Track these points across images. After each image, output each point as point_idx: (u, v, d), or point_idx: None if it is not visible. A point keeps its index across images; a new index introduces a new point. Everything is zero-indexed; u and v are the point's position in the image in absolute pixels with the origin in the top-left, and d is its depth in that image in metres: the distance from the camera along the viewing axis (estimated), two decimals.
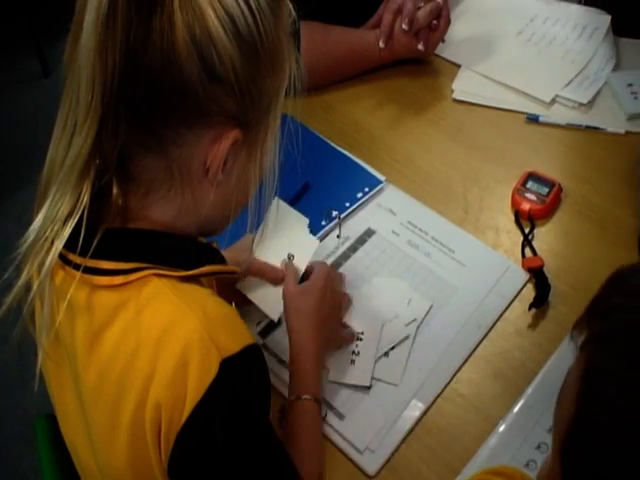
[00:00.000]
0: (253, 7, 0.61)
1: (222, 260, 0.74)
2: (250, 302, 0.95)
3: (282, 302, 0.91)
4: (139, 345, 0.64)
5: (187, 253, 0.70)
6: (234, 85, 0.62)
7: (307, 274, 0.94)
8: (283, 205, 0.97)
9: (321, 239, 1.08)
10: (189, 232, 0.72)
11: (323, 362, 0.91)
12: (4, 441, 1.80)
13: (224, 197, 0.70)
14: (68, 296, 0.65)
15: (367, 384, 0.91)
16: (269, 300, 0.94)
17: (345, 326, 0.96)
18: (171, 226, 0.69)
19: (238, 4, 0.61)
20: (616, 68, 1.35)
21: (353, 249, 1.08)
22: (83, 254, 0.64)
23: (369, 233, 1.10)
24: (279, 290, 0.92)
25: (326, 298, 0.91)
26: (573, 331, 0.53)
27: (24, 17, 2.72)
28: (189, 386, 0.62)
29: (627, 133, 1.23)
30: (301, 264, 0.95)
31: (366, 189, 1.15)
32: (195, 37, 0.59)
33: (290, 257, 0.95)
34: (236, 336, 0.65)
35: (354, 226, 1.11)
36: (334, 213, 1.11)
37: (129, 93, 0.60)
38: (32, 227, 0.64)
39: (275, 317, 0.94)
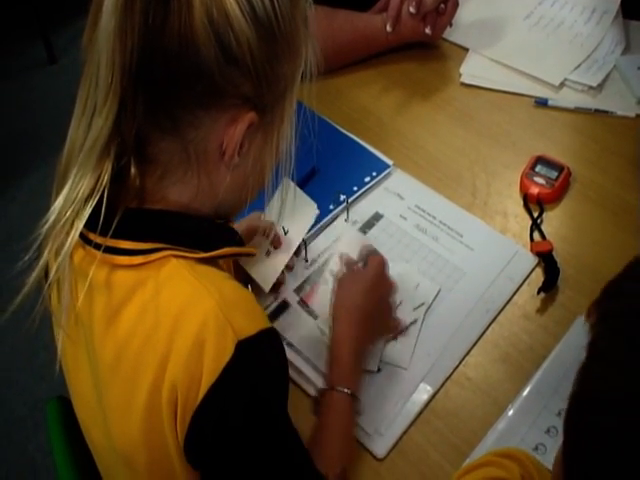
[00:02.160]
0: None
1: (240, 241, 0.74)
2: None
3: (276, 275, 0.93)
4: (156, 324, 0.64)
5: (205, 235, 0.70)
6: (250, 67, 0.62)
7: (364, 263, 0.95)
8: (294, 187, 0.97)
9: (329, 223, 1.09)
10: (205, 214, 0.72)
11: (363, 356, 0.89)
12: (12, 423, 1.82)
13: (240, 180, 0.70)
14: (90, 274, 0.65)
15: (374, 369, 0.91)
16: (263, 272, 0.95)
17: (394, 318, 0.95)
18: (187, 208, 0.69)
19: None
20: (626, 51, 1.34)
21: (361, 233, 1.08)
22: (103, 234, 0.65)
23: (377, 217, 1.10)
24: (274, 263, 0.94)
25: (376, 286, 0.92)
26: (586, 314, 0.54)
27: (30, 3, 2.71)
28: (205, 366, 0.62)
29: (637, 116, 1.22)
30: (297, 234, 0.97)
31: (374, 173, 1.15)
32: (212, 19, 0.59)
33: (285, 230, 0.97)
34: (252, 319, 0.66)
35: (362, 210, 1.11)
36: (342, 197, 1.11)
37: (147, 75, 0.60)
38: (52, 208, 0.65)
39: (266, 288, 0.94)
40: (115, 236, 0.65)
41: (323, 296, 0.96)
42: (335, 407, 0.83)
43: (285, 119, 0.70)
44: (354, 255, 0.97)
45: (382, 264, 0.94)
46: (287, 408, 0.69)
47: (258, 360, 0.65)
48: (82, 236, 0.66)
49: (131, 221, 0.66)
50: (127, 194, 0.66)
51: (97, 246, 0.65)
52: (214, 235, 0.71)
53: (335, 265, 0.99)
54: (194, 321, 0.63)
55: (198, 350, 0.62)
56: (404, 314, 0.96)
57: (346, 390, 0.83)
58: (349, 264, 0.95)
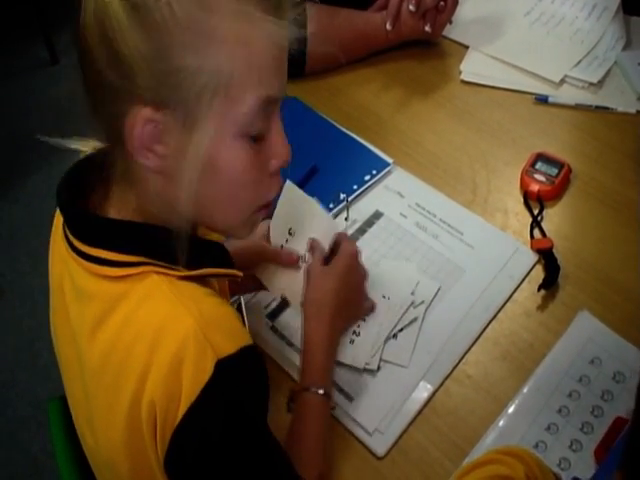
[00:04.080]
0: None
1: (227, 261, 0.72)
2: (261, 288, 0.96)
3: (301, 287, 0.91)
4: (137, 338, 0.63)
5: (188, 252, 0.66)
6: (133, 58, 0.58)
7: (333, 249, 0.93)
8: (294, 188, 0.96)
9: None
10: (178, 223, 0.67)
11: (335, 353, 0.89)
12: (15, 424, 1.82)
13: (184, 187, 0.64)
14: (77, 282, 0.66)
15: (374, 368, 0.91)
16: (287, 288, 0.94)
17: (366, 298, 0.96)
18: (146, 213, 0.67)
19: None
20: (626, 47, 1.33)
21: (361, 232, 1.08)
22: (88, 242, 0.65)
23: (377, 215, 1.10)
24: (297, 275, 0.92)
25: (348, 279, 0.91)
26: None
27: (32, 4, 2.71)
28: (184, 386, 0.61)
29: (638, 113, 1.22)
30: (306, 235, 0.95)
31: (374, 172, 1.15)
32: (97, 8, 0.58)
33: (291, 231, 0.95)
34: (232, 337, 0.64)
35: (362, 209, 1.11)
36: (342, 196, 1.10)
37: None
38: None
39: (298, 303, 0.92)
40: (99, 246, 0.65)
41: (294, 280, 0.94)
42: (310, 409, 0.83)
43: (217, 122, 0.61)
44: (326, 241, 0.94)
45: (354, 255, 0.93)
46: (267, 422, 0.68)
47: (238, 379, 0.64)
48: (70, 243, 0.67)
49: (114, 231, 0.65)
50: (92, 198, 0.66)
51: (80, 254, 0.66)
52: (198, 252, 0.68)
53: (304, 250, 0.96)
54: (173, 339, 0.62)
55: (176, 369, 0.61)
56: (403, 312, 0.96)
57: (320, 391, 0.83)
58: (318, 253, 0.92)
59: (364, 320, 0.95)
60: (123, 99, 0.60)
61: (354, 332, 0.94)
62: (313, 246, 0.93)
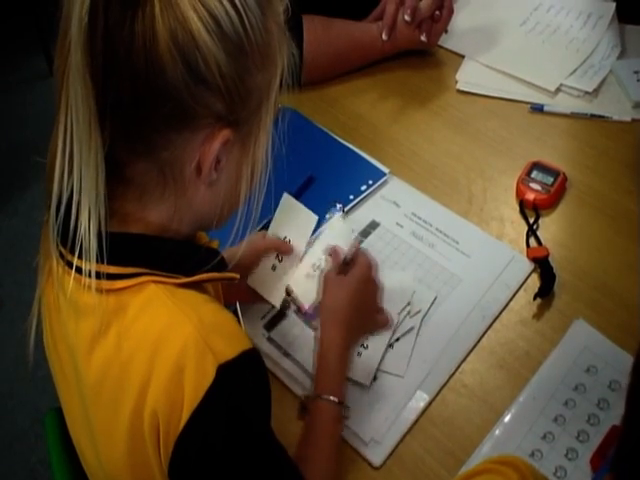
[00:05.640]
0: (237, 4, 0.60)
1: (221, 264, 0.73)
2: (259, 297, 0.96)
3: (283, 289, 0.93)
4: (136, 350, 0.64)
5: (185, 259, 0.69)
6: (221, 86, 0.61)
7: (350, 260, 0.93)
8: (291, 200, 0.97)
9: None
10: (186, 231, 0.71)
11: (348, 362, 0.89)
12: (14, 435, 1.82)
13: (220, 193, 0.69)
14: (73, 297, 0.65)
15: (367, 383, 0.91)
16: (271, 288, 0.95)
17: (381, 312, 0.96)
18: (167, 227, 0.68)
19: (221, 3, 0.59)
20: (621, 56, 1.34)
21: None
22: (85, 257, 0.64)
23: (373, 225, 1.10)
24: (281, 277, 0.94)
25: (363, 289, 0.91)
26: None
27: (30, 15, 2.72)
28: (186, 392, 0.61)
29: (633, 121, 1.23)
30: (300, 243, 0.96)
31: (370, 181, 1.15)
32: (178, 42, 0.58)
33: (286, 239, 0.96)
34: (232, 341, 0.65)
35: (358, 219, 1.11)
36: (338, 206, 1.10)
37: (116, 100, 0.60)
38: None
39: (277, 304, 0.95)
40: (99, 260, 0.64)
41: (304, 286, 0.95)
42: (322, 417, 0.83)
43: (261, 129, 0.68)
44: (341, 245, 0.95)
45: (369, 267, 0.93)
46: (270, 425, 0.68)
47: (239, 382, 0.64)
48: (63, 256, 0.66)
49: (113, 245, 0.64)
50: (107, 216, 0.65)
51: (73, 267, 0.65)
52: (194, 259, 0.69)
53: (317, 257, 0.97)
54: (173, 347, 0.62)
55: (178, 376, 0.61)
56: (400, 321, 0.96)
57: (332, 398, 0.83)
58: (336, 260, 0.93)
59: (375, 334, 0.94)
60: (196, 118, 0.62)
61: (362, 345, 0.94)
62: (332, 254, 0.94)
